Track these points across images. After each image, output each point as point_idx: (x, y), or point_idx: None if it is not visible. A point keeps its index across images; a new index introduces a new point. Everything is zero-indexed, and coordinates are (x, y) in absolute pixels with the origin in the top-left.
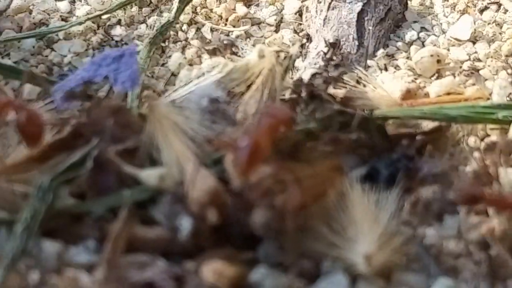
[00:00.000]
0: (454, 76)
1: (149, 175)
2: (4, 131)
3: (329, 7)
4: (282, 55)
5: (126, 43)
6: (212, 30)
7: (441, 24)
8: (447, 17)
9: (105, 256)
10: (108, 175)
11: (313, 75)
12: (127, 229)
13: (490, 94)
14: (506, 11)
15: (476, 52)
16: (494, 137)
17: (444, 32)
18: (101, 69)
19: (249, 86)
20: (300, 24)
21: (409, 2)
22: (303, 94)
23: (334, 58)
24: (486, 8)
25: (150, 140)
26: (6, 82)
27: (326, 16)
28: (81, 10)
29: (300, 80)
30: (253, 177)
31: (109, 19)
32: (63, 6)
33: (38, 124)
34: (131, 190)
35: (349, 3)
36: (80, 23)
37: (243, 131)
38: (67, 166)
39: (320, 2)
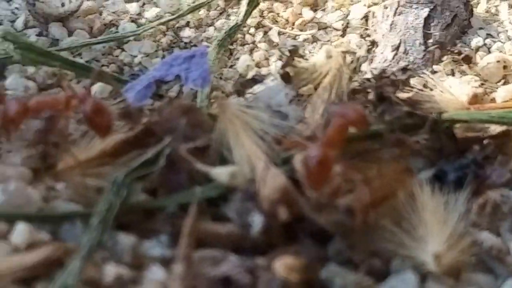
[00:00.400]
0: None
1: (221, 173)
2: (76, 126)
3: (395, 12)
4: (349, 57)
5: (195, 45)
6: (279, 33)
7: (506, 31)
8: None
9: (182, 252)
10: (180, 172)
11: (381, 78)
12: (198, 225)
13: None
14: None
15: None
16: None
17: (510, 39)
18: (173, 69)
19: (316, 87)
20: (367, 29)
21: (474, 9)
22: (372, 96)
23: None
24: None
25: (221, 139)
26: (78, 80)
27: (392, 21)
28: (150, 12)
29: (368, 81)
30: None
31: (178, 21)
32: (133, 8)
33: (105, 114)
34: (202, 187)
35: (416, 8)
36: (151, 27)
37: (312, 132)
38: (140, 163)
39: (387, 8)
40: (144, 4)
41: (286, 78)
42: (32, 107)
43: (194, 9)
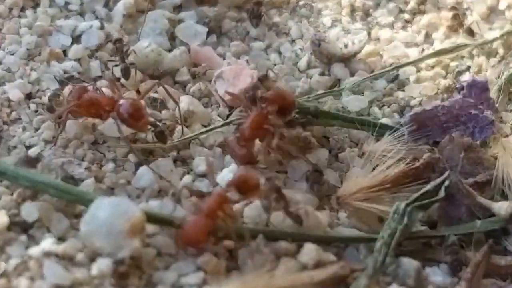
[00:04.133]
0: None
1: (502, 207)
2: None
3: None
4: None
5: None
6: None
7: None
8: None
9: (465, 277)
10: (459, 206)
11: None
12: (486, 259)
13: None
14: None
15: None
16: None
17: None
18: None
19: None
20: None
21: None
22: None
23: None
24: None
25: (502, 175)
26: None
27: None
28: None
29: None
30: None
31: (457, 66)
32: (413, 52)
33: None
34: (482, 221)
35: None
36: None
37: None
38: (421, 193)
39: None
40: (423, 50)
41: None
42: None
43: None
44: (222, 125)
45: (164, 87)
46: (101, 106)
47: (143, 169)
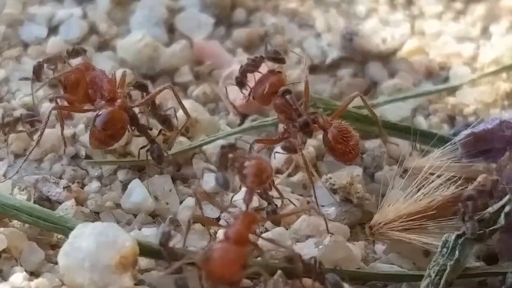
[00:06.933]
0: None
1: None
2: None
3: None
4: None
5: None
6: None
7: None
8: None
9: None
10: None
11: None
12: None
13: None
14: None
15: None
16: None
17: None
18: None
19: None
20: None
21: None
22: None
23: None
24: None
25: None
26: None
27: None
28: (485, 56)
29: None
30: None
31: None
32: (467, 49)
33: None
34: None
35: None
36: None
37: None
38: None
39: None
40: (479, 46)
41: None
42: None
43: None
44: (230, 134)
45: (175, 94)
46: (102, 89)
47: (135, 189)
